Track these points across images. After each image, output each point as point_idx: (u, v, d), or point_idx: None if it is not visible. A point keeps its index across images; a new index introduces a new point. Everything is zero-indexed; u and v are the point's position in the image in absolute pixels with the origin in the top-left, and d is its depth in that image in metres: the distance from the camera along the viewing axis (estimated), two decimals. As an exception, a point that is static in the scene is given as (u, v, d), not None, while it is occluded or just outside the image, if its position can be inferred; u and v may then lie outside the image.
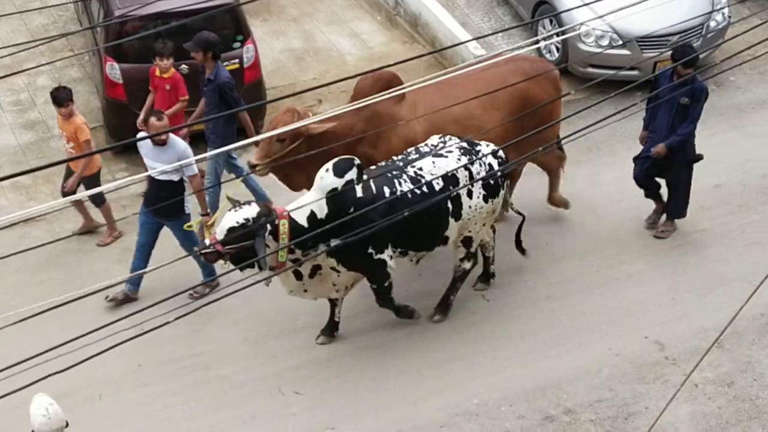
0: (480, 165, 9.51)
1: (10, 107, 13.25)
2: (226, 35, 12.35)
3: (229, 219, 8.77)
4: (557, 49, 13.82)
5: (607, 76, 11.32)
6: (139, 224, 10.29)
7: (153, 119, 9.93)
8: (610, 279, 10.77)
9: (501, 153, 9.66)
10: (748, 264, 10.82)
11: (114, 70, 12.01)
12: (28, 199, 11.65)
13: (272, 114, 12.52)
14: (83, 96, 13.40)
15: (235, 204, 8.89)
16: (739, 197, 11.77)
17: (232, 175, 11.17)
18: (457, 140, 9.56)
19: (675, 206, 11.06)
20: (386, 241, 9.26)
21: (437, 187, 9.28)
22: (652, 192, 11.04)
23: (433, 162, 9.36)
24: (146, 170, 10.06)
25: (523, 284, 10.70)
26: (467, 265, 10.04)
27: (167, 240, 10.24)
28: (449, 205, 9.44)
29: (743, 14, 14.12)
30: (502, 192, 9.81)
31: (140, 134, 10.37)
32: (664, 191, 11.10)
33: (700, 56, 13.35)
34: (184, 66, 11.71)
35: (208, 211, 10.30)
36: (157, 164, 9.79)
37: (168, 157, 9.80)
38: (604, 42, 13.26)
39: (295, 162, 9.42)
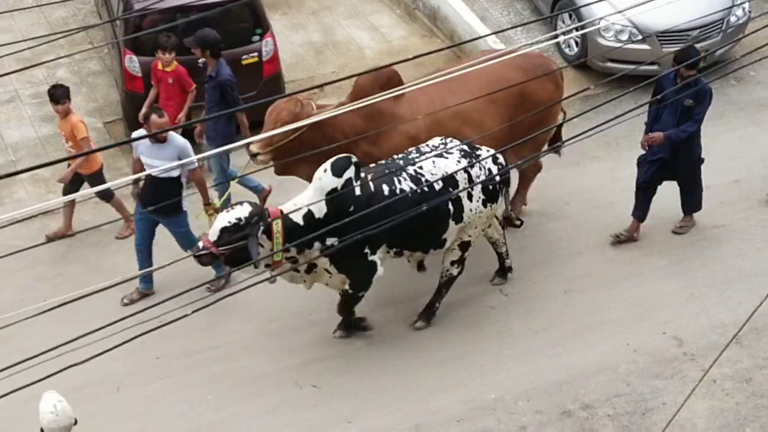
0: (480, 169, 9.47)
1: (29, 100, 13.30)
2: (245, 29, 12.39)
3: (221, 219, 8.75)
4: (576, 43, 13.78)
5: (626, 71, 11.29)
6: (135, 222, 10.29)
7: (154, 116, 9.77)
8: (629, 274, 10.74)
9: (501, 159, 9.62)
10: (767, 259, 10.78)
11: (133, 63, 12.04)
12: (47, 192, 11.69)
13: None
14: (102, 89, 13.44)
15: (220, 210, 8.91)
16: (759, 192, 11.71)
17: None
18: (458, 142, 9.52)
19: (689, 202, 11.02)
20: (382, 241, 9.20)
21: (437, 188, 9.22)
22: (643, 202, 10.92)
23: (434, 162, 9.31)
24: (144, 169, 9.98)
25: (541, 279, 10.68)
26: (455, 271, 9.94)
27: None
28: (450, 207, 9.38)
29: (764, 9, 14.03)
30: (500, 198, 9.73)
31: (136, 133, 10.19)
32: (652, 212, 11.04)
33: (720, 51, 13.34)
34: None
35: (211, 201, 10.23)
36: (156, 161, 9.70)
37: (168, 154, 9.75)
38: (624, 37, 13.21)
39: (296, 152, 9.40)
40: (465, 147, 9.49)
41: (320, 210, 8.91)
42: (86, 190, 10.70)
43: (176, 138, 9.90)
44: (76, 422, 6.77)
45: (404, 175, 9.22)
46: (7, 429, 8.79)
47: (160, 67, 11.37)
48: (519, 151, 10.16)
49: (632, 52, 13.01)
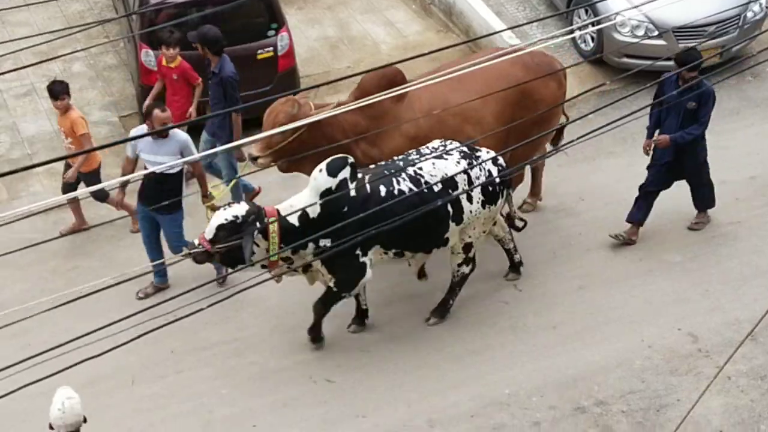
0: (480, 170, 9.42)
1: (46, 94, 13.28)
2: (260, 23, 12.40)
3: (218, 217, 8.74)
4: (592, 39, 13.75)
5: (642, 67, 11.26)
6: (139, 220, 10.28)
7: (157, 111, 9.70)
8: (644, 270, 10.72)
9: (501, 161, 9.58)
10: (783, 256, 10.77)
11: (149, 57, 12.05)
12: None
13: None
14: (118, 83, 13.47)
15: (217, 209, 8.89)
16: (775, 189, 11.69)
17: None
18: (458, 144, 9.48)
19: (702, 199, 10.98)
20: (375, 242, 9.10)
21: (436, 189, 9.17)
22: (643, 206, 10.84)
23: (433, 164, 9.27)
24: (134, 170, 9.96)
25: (555, 275, 10.67)
26: (466, 269, 9.92)
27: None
28: (449, 208, 9.31)
29: (781, 5, 14.00)
30: (500, 200, 9.67)
31: (136, 130, 10.15)
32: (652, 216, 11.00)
33: (737, 47, 13.29)
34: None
35: (209, 193, 10.22)
36: (159, 157, 9.66)
37: (170, 149, 9.73)
38: (640, 32, 13.18)
39: (297, 152, 9.38)
40: (465, 149, 9.44)
41: (314, 210, 8.90)
42: (81, 190, 10.53)
43: (178, 132, 9.84)
44: (85, 420, 6.77)
45: (403, 176, 9.18)
46: (21, 422, 8.82)
47: (164, 63, 11.35)
48: (518, 149, 10.14)
49: (648, 47, 12.97)
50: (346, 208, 8.87)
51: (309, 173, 9.65)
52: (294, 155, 9.55)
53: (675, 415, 9.06)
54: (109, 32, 14.18)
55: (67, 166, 10.84)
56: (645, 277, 10.64)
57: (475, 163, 9.39)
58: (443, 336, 10.00)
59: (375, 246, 9.20)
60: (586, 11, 13.74)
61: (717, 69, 12.58)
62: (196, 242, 8.76)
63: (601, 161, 12.06)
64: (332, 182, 8.89)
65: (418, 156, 9.37)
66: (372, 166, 9.44)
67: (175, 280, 10.40)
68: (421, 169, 9.22)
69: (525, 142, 9.31)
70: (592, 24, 13.45)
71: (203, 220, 9.69)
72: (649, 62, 12.36)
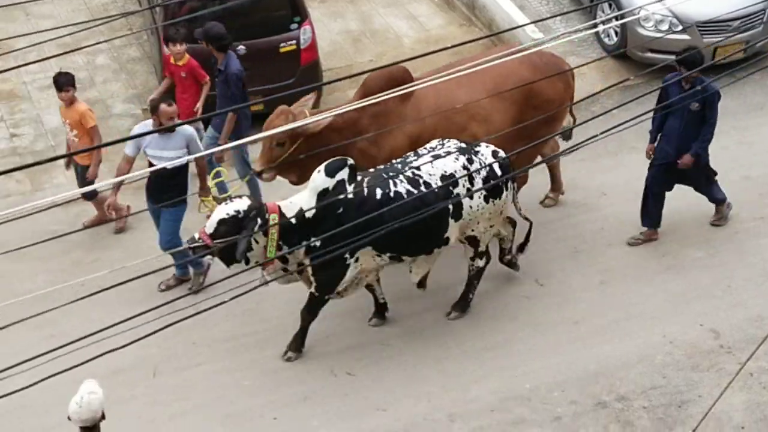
0: (480, 165, 9.33)
1: (69, 86, 13.36)
2: (283, 16, 12.41)
3: (219, 212, 8.72)
4: (616, 33, 13.71)
5: (666, 62, 11.21)
6: (150, 213, 10.26)
7: (164, 105, 9.68)
8: (665, 266, 10.69)
9: (501, 153, 9.50)
10: (806, 253, 10.72)
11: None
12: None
13: (329, 96, 12.61)
14: (141, 76, 13.51)
15: (223, 201, 8.87)
16: (799, 185, 11.63)
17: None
18: (456, 142, 9.44)
19: (711, 197, 10.89)
20: (365, 245, 8.88)
21: (435, 188, 9.08)
22: (652, 209, 10.77)
23: (431, 163, 9.19)
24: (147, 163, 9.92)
25: (576, 270, 10.65)
26: (480, 263, 9.87)
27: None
28: (449, 205, 9.22)
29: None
30: (505, 192, 9.56)
31: (141, 126, 10.16)
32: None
33: (762, 42, 13.21)
34: (241, 47, 11.76)
35: (208, 186, 10.22)
36: (166, 152, 9.66)
37: (176, 143, 9.73)
38: (664, 27, 13.13)
39: (301, 162, 9.37)
40: (462, 144, 9.40)
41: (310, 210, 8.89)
42: (89, 187, 10.41)
43: (183, 126, 9.84)
44: (103, 417, 6.78)
45: (401, 177, 9.10)
46: (45, 412, 8.87)
47: (172, 61, 11.34)
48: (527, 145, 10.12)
49: (672, 42, 12.91)
50: (341, 210, 8.85)
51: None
52: (298, 166, 9.50)
53: (696, 412, 9.04)
54: (132, 24, 14.23)
55: (69, 160, 10.85)
56: (667, 273, 10.61)
57: (474, 158, 9.33)
58: (464, 330, 10.00)
59: (365, 248, 9.05)
60: (610, 5, 13.70)
61: (742, 64, 12.50)
62: (197, 236, 8.73)
63: (623, 156, 12.02)
64: (329, 182, 8.88)
65: (415, 157, 9.30)
66: (372, 169, 9.36)
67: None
68: (418, 169, 9.15)
69: (532, 144, 9.30)
70: (616, 18, 13.41)
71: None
72: (673, 57, 12.32)
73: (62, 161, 11.04)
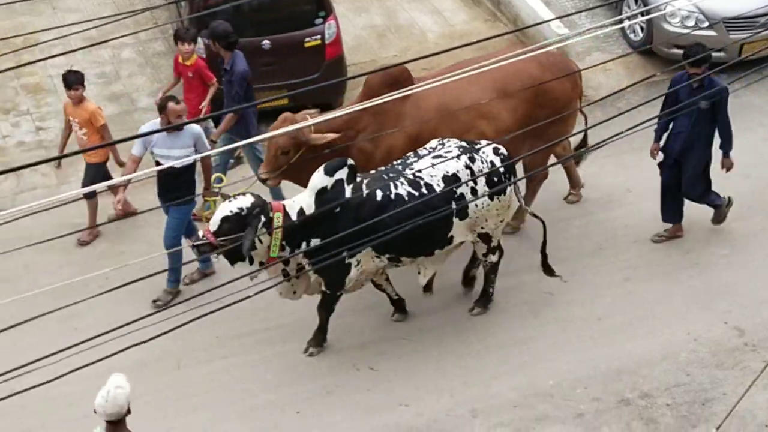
0: (482, 163, 9.27)
1: (95, 79, 13.43)
2: (308, 11, 12.42)
3: (223, 209, 8.69)
4: (642, 29, 13.65)
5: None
6: (164, 211, 10.27)
7: (171, 104, 9.68)
8: (690, 263, 10.65)
9: (503, 150, 9.44)
10: (833, 250, 10.66)
11: (198, 44, 12.09)
12: (111, 171, 11.78)
13: (353, 90, 12.60)
14: (167, 70, 13.52)
15: (228, 198, 8.86)
16: (828, 181, 11.55)
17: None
18: (456, 141, 9.39)
19: (710, 203, 10.72)
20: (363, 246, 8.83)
21: (437, 189, 9.04)
22: (671, 205, 10.70)
23: (432, 163, 9.14)
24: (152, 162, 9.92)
25: (601, 266, 10.62)
26: (493, 258, 9.81)
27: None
28: (453, 204, 9.14)
29: (834, -4, 13.81)
30: (509, 188, 9.46)
31: (149, 125, 10.16)
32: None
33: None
34: (266, 42, 11.77)
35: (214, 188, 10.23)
36: (174, 151, 9.68)
37: (184, 142, 9.75)
38: (690, 23, 13.06)
39: (307, 167, 9.34)
40: (463, 143, 9.35)
41: (309, 209, 8.88)
42: (96, 185, 10.41)
43: (191, 124, 9.86)
44: (129, 412, 6.80)
45: (401, 179, 9.06)
46: (68, 405, 8.91)
47: (180, 60, 11.35)
48: (532, 147, 10.08)
49: (698, 38, 12.83)
50: (338, 209, 8.84)
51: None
52: (304, 171, 9.44)
53: (720, 409, 9.00)
54: (158, 18, 14.26)
55: (60, 160, 10.85)
56: (691, 270, 10.57)
57: (476, 157, 9.26)
58: (486, 326, 10.00)
59: (364, 249, 8.96)
60: (636, 1, 13.64)
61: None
62: (201, 234, 8.71)
63: (648, 153, 11.95)
64: (328, 181, 8.88)
65: (416, 158, 9.27)
66: (372, 171, 9.33)
67: (221, 266, 10.43)
68: (420, 171, 9.11)
69: (542, 148, 9.25)
70: (642, 14, 13.35)
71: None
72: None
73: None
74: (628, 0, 13.75)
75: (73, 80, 10.62)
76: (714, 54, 12.22)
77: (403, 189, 9.01)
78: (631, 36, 13.82)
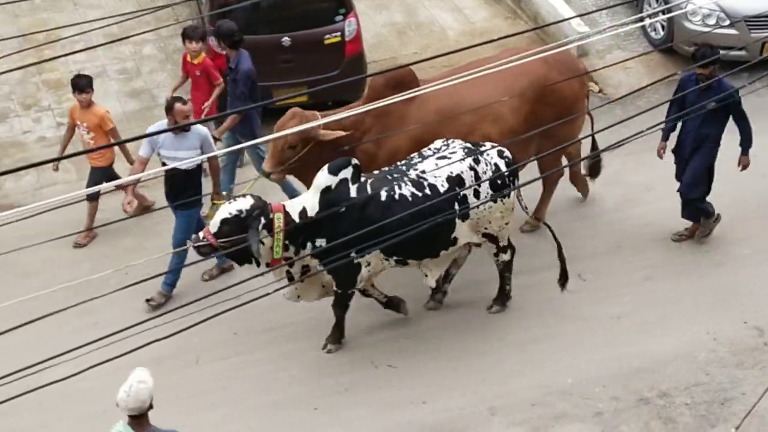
0: (486, 165, 9.24)
1: (116, 75, 13.49)
2: (328, 8, 12.43)
3: (222, 211, 8.69)
4: (663, 27, 13.61)
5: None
6: (173, 212, 10.22)
7: (178, 104, 9.69)
8: (710, 262, 10.62)
9: (507, 153, 9.39)
10: None
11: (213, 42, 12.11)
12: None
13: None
14: (187, 66, 13.58)
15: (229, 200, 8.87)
16: None
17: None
18: (461, 142, 9.36)
19: (704, 211, 10.66)
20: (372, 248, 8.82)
21: (441, 189, 9.01)
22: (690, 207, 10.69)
23: (436, 164, 9.12)
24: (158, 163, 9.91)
25: (620, 265, 10.60)
26: (505, 256, 9.76)
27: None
28: (456, 206, 9.13)
29: None
30: (513, 191, 9.43)
31: (156, 126, 10.14)
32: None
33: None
34: (286, 38, 11.78)
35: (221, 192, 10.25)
36: (181, 152, 9.66)
37: (191, 143, 9.73)
38: (711, 21, 13.02)
39: (312, 165, 9.35)
40: (468, 145, 9.32)
41: (313, 208, 8.87)
42: (102, 185, 10.33)
43: (197, 126, 9.86)
44: (151, 407, 6.83)
45: (405, 180, 9.04)
46: (88, 401, 8.95)
47: (188, 59, 11.35)
48: (540, 147, 10.04)
49: (720, 37, 12.79)
50: (343, 209, 8.83)
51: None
52: (310, 168, 9.44)
53: (739, 409, 8.97)
54: (179, 15, 14.29)
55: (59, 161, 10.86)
56: (712, 269, 10.53)
57: (480, 158, 9.23)
58: (505, 324, 9.99)
59: (373, 251, 8.93)
60: (657, -1, 13.62)
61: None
62: (201, 236, 8.71)
63: (669, 151, 11.91)
64: (332, 180, 8.87)
65: (420, 159, 9.25)
66: (376, 171, 9.32)
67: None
68: (424, 172, 9.09)
69: (555, 149, 9.21)
70: (663, 12, 13.31)
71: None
72: (721, 52, 12.21)
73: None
74: (649, -2, 13.73)
75: (84, 84, 10.63)
76: (735, 53, 12.23)
77: (407, 189, 9.00)
78: (652, 34, 13.78)
